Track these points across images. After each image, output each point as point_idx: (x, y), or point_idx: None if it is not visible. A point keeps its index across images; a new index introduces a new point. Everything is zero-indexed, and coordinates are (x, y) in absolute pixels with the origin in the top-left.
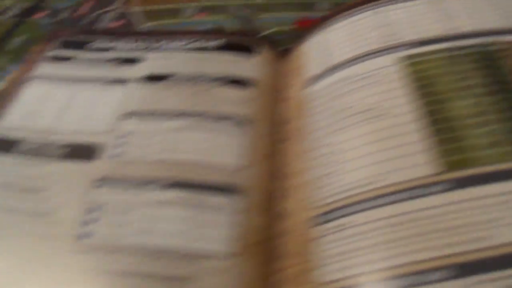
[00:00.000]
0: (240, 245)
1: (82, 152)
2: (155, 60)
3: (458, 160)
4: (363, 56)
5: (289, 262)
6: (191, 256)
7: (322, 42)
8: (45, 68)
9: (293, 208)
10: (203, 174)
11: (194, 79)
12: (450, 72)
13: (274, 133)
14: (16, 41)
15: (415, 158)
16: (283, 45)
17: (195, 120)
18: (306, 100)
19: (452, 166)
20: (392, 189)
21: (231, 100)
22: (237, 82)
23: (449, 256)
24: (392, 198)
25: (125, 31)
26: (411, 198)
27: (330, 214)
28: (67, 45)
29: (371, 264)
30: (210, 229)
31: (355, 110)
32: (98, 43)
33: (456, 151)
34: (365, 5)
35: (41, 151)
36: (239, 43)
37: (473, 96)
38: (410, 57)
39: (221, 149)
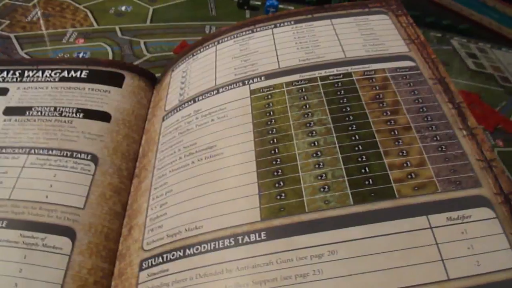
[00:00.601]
0: (69, 286)
1: None
2: (20, 91)
3: (278, 207)
4: (217, 89)
5: None
6: None
7: (184, 72)
8: None
9: (127, 250)
10: (42, 215)
11: (54, 112)
12: (294, 107)
13: (125, 169)
14: None
15: (239, 202)
16: (159, 72)
17: (45, 156)
18: (159, 134)
19: (270, 213)
20: (210, 236)
21: (86, 134)
22: (97, 115)
23: None
24: (208, 246)
25: None
26: (225, 247)
27: (153, 259)
28: None
29: None
30: (41, 271)
31: (196, 148)
32: None
33: (279, 196)
34: (230, 33)
35: None
36: (108, 73)
37: (312, 134)
38: (256, 90)
39: (64, 188)
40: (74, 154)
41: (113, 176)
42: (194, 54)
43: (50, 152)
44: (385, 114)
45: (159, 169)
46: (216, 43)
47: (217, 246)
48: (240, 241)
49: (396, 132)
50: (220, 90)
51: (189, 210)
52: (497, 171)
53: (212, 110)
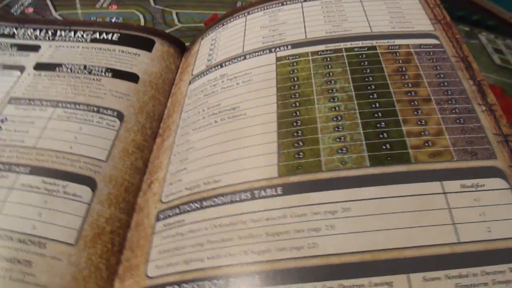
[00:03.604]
0: (86, 234)
1: None
2: (51, 49)
3: (296, 165)
4: (244, 55)
5: (130, 255)
6: (37, 240)
7: (213, 40)
8: None
9: (145, 203)
10: (65, 164)
11: (83, 70)
12: (318, 75)
13: (149, 128)
14: None
15: (258, 159)
16: (189, 41)
17: (72, 110)
18: (185, 96)
19: (288, 171)
20: (227, 189)
21: (114, 92)
22: (125, 75)
23: (256, 263)
24: (225, 199)
25: (31, 18)
26: (242, 200)
27: (170, 211)
28: None
29: (185, 264)
30: (60, 216)
31: (220, 108)
32: (2, 29)
33: (297, 155)
34: (260, 5)
35: None
36: (139, 38)
37: (334, 100)
38: (282, 58)
39: (89, 141)
40: (101, 109)
41: (137, 134)
42: (224, 23)
43: (77, 106)
44: (406, 85)
45: (182, 128)
46: (246, 14)
47: (233, 199)
48: (256, 195)
49: (416, 103)
50: (247, 56)
51: (209, 165)
52: None
53: (237, 74)
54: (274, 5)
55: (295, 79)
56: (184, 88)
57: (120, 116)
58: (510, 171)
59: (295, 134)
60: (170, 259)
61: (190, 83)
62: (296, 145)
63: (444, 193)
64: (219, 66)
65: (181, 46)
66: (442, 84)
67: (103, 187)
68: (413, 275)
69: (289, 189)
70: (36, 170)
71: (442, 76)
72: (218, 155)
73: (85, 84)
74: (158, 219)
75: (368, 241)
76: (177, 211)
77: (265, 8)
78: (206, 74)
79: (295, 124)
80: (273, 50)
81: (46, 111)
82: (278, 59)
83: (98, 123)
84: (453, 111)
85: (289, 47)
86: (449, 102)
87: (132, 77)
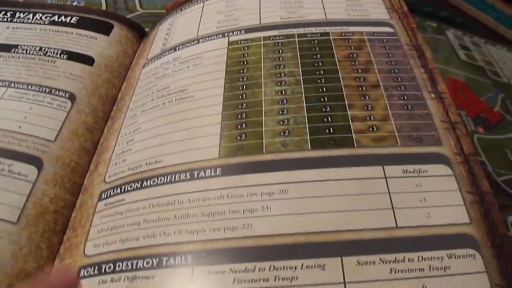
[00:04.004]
0: (29, 213)
1: None
2: (9, 31)
3: (237, 146)
4: (198, 39)
5: (72, 235)
6: None
7: (170, 25)
8: None
9: (91, 183)
10: (12, 143)
11: (39, 51)
12: (268, 59)
13: (101, 111)
14: None
15: (200, 141)
16: (149, 27)
17: (24, 91)
18: (137, 80)
19: (228, 152)
20: (167, 170)
21: (68, 74)
22: (81, 58)
23: (190, 242)
24: (164, 179)
25: None
26: (181, 181)
27: (112, 190)
28: None
29: (121, 243)
30: (3, 195)
31: (169, 91)
32: None
33: (239, 137)
34: None
35: None
36: (98, 21)
37: (281, 84)
38: (234, 42)
39: (38, 121)
40: (53, 91)
41: (88, 115)
42: (182, 9)
43: (30, 87)
44: (355, 71)
45: (132, 110)
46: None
47: (173, 179)
48: (195, 176)
49: (364, 88)
50: (200, 40)
51: (152, 146)
52: (460, 133)
53: (189, 58)
54: None
55: (245, 62)
56: (138, 72)
57: (72, 97)
58: (455, 158)
59: (239, 116)
60: (107, 238)
61: (144, 66)
62: (239, 127)
63: (385, 177)
64: (172, 50)
65: (140, 31)
66: (392, 71)
67: (50, 167)
68: (346, 258)
69: (228, 170)
70: None
71: (393, 63)
72: (162, 136)
73: (39, 65)
74: (100, 198)
75: (303, 223)
76: (118, 190)
77: None
78: (160, 58)
79: (240, 106)
80: (226, 34)
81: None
82: (230, 43)
83: (49, 104)
84: (402, 98)
85: (242, 32)
86: (398, 88)
87: (87, 60)
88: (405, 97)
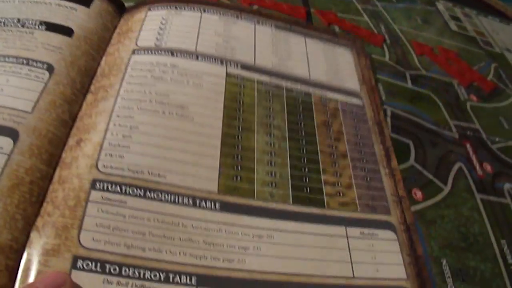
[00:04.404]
0: (3, 184)
1: None
2: None
3: (233, 186)
4: (197, 54)
5: (54, 211)
6: None
7: (164, 19)
8: None
9: (74, 160)
10: None
11: (17, 23)
12: (260, 106)
13: (79, 83)
14: None
15: (201, 169)
16: (129, 2)
17: (1, 63)
18: (127, 65)
19: (226, 189)
20: (172, 189)
21: (46, 45)
22: (60, 29)
23: (194, 265)
24: (168, 197)
25: None
26: (184, 205)
27: (110, 185)
28: None
29: (126, 248)
30: None
31: (169, 100)
32: None
33: (235, 178)
34: (216, 7)
35: None
36: None
37: (270, 136)
38: (231, 75)
39: (15, 93)
40: (30, 62)
41: (67, 87)
42: (178, 7)
43: (6, 59)
44: (330, 139)
45: (125, 99)
46: (202, 9)
47: (176, 201)
48: (197, 204)
49: (335, 156)
50: (199, 57)
51: (154, 156)
52: (405, 206)
53: (189, 72)
54: (229, 15)
55: (241, 102)
56: (125, 54)
57: (50, 68)
58: (399, 226)
59: (236, 157)
60: (109, 237)
61: (134, 52)
62: (235, 168)
63: (347, 236)
64: (169, 53)
65: (120, 7)
66: (358, 144)
67: (26, 138)
68: None
69: (226, 207)
70: None
71: (359, 136)
72: (164, 150)
73: (17, 37)
74: (94, 187)
75: (285, 265)
76: (119, 189)
77: (221, 14)
78: (155, 53)
79: (236, 147)
80: (224, 63)
81: None
82: (228, 75)
83: (26, 75)
84: (363, 170)
85: (239, 66)
86: (361, 161)
87: (66, 31)
88: (366, 170)
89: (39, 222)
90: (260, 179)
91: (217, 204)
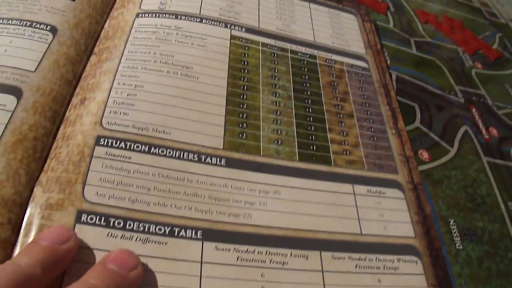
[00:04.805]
0: (7, 140)
1: None
2: None
3: (239, 143)
4: (201, 17)
5: (58, 166)
6: None
7: None
8: None
9: (78, 118)
10: None
11: None
12: (265, 67)
13: (83, 44)
14: None
15: (207, 127)
16: None
17: (4, 26)
18: (131, 27)
19: (232, 146)
20: (177, 145)
21: (49, 8)
22: None
23: (200, 220)
24: (173, 153)
25: None
26: (189, 160)
27: (114, 141)
28: None
29: (131, 202)
30: None
31: (174, 60)
32: None
33: (241, 135)
34: None
35: None
36: None
37: (276, 95)
38: (236, 37)
39: (18, 53)
40: (34, 24)
41: (70, 48)
42: None
43: (10, 22)
44: (335, 99)
45: (130, 59)
46: None
47: (181, 156)
48: (203, 160)
49: (341, 116)
50: (204, 20)
51: (159, 113)
52: (412, 166)
53: (193, 34)
54: None
55: (246, 63)
56: (129, 17)
57: (53, 30)
58: (406, 185)
59: (241, 115)
60: (113, 192)
61: (138, 15)
62: (240, 125)
63: (354, 194)
64: (173, 16)
65: None
66: (364, 104)
67: (29, 96)
68: (324, 252)
69: (232, 163)
70: None
71: (365, 97)
72: (169, 107)
73: (21, 1)
74: (98, 143)
75: (291, 221)
76: (123, 145)
77: None
78: (159, 16)
79: (241, 106)
80: (228, 26)
81: None
82: (232, 37)
83: (29, 37)
84: (370, 129)
85: (243, 29)
86: (368, 121)
87: None
88: (372, 130)
89: (42, 177)
90: (266, 136)
91: (222, 160)
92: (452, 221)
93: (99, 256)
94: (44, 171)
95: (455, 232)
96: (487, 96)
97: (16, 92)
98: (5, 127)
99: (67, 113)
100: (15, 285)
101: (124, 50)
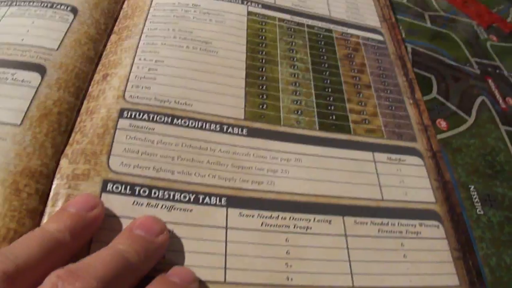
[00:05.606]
0: (32, 115)
1: None
2: None
3: (259, 114)
4: None
5: (83, 139)
6: None
7: None
8: None
9: (101, 93)
10: (15, 54)
11: None
12: (283, 41)
13: (103, 24)
14: None
15: (227, 98)
16: None
17: (26, 7)
18: (149, 6)
19: (252, 117)
20: (199, 116)
21: None
22: None
23: (223, 187)
24: (196, 123)
25: None
26: (211, 130)
27: (138, 114)
28: None
29: (155, 171)
30: (7, 100)
31: (193, 36)
32: None
33: (261, 106)
34: None
35: None
36: None
37: (294, 67)
38: (252, 13)
39: (40, 33)
40: (55, 5)
41: (91, 27)
42: None
43: (31, 3)
44: (353, 71)
45: (150, 36)
46: None
47: (204, 127)
48: (224, 130)
49: (359, 87)
50: None
51: (180, 86)
52: (430, 134)
53: (210, 11)
54: None
55: (263, 37)
56: None
57: (74, 10)
58: (426, 153)
59: (261, 87)
60: (138, 161)
61: None
62: (260, 96)
63: (374, 161)
64: None
65: None
66: (381, 76)
67: (53, 73)
68: (347, 217)
69: (253, 133)
70: None
71: (382, 68)
72: (190, 81)
73: None
74: (122, 116)
75: (313, 187)
76: (146, 117)
77: None
78: None
79: (260, 78)
80: (245, 2)
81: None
82: (249, 13)
83: (51, 17)
84: (387, 99)
85: (259, 5)
86: (385, 91)
87: None
88: (390, 100)
89: (68, 150)
90: (286, 107)
91: (244, 130)
92: (472, 187)
93: (125, 223)
94: (69, 144)
95: (475, 198)
96: (502, 67)
97: (39, 69)
98: (30, 103)
99: (90, 89)
100: (45, 250)
101: (143, 28)
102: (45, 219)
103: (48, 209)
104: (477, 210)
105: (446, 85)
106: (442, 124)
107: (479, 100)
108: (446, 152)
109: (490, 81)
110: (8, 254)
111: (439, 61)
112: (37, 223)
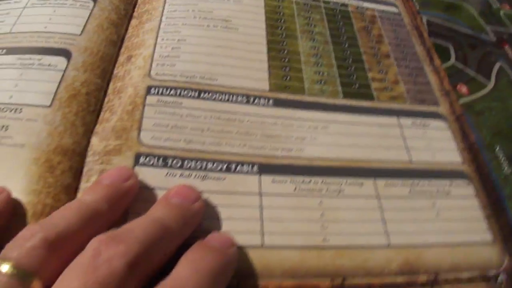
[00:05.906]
0: (61, 96)
1: None
2: None
3: (284, 85)
4: None
5: (112, 117)
6: (13, 107)
7: None
8: None
9: (127, 73)
10: (40, 41)
11: None
12: (300, 16)
13: (123, 9)
14: None
15: (251, 72)
16: None
17: None
18: None
19: (277, 88)
20: (225, 89)
21: None
22: None
23: (254, 155)
24: (223, 96)
25: None
26: (238, 102)
27: (165, 89)
28: None
29: (186, 143)
30: (35, 84)
31: (213, 15)
32: None
33: (285, 77)
34: None
35: None
36: None
37: (314, 41)
38: None
39: (62, 20)
40: None
41: (111, 12)
42: None
43: None
44: (371, 42)
45: (170, 18)
46: None
47: (230, 99)
48: (251, 101)
49: (379, 57)
50: None
51: (204, 62)
52: (453, 98)
53: None
54: None
55: (281, 13)
56: None
57: None
58: (449, 116)
59: (283, 60)
60: (168, 134)
61: None
62: (284, 69)
63: (399, 126)
64: None
65: None
66: (399, 45)
67: (78, 56)
68: (378, 179)
69: (279, 103)
70: (12, 50)
71: (400, 39)
72: (213, 57)
73: None
74: (149, 92)
75: (342, 152)
76: (173, 92)
77: None
78: None
79: (282, 52)
80: None
81: (20, 2)
82: None
83: (71, 5)
84: (408, 67)
85: None
86: (405, 60)
87: None
88: (410, 67)
89: (98, 128)
90: (309, 78)
91: (270, 101)
92: (497, 147)
93: (159, 194)
94: (99, 122)
95: (502, 158)
96: None
97: (65, 53)
98: (59, 85)
99: (115, 71)
100: (83, 220)
101: (163, 11)
102: (79, 195)
103: (82, 185)
104: (504, 169)
105: (463, 52)
106: (463, 89)
107: (497, 66)
108: (469, 115)
109: (506, 47)
110: (48, 223)
111: (454, 31)
112: (72, 199)
